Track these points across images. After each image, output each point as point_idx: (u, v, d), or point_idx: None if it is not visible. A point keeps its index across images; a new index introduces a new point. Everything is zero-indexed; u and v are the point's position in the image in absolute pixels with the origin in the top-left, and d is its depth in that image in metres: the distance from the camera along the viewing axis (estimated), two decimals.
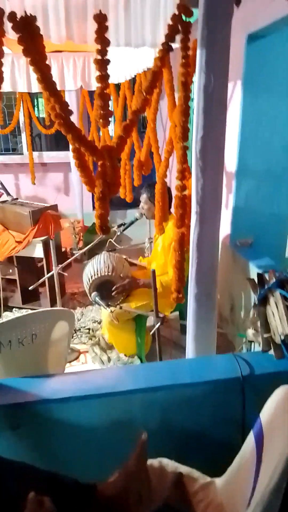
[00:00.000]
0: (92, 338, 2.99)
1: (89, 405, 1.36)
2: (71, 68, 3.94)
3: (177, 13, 1.35)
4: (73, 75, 3.95)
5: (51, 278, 2.95)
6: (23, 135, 4.80)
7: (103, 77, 1.27)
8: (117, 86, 3.43)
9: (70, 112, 1.27)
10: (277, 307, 1.56)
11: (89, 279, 2.42)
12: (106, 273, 2.40)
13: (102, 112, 1.28)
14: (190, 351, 1.69)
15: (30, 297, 3.57)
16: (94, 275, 2.41)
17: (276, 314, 1.54)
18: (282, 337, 1.49)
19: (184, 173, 1.47)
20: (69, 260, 2.75)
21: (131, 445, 1.20)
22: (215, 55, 1.32)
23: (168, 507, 0.79)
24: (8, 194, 3.70)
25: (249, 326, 1.88)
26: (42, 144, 5.58)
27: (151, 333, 2.22)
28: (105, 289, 2.41)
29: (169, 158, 2.03)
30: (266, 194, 2.85)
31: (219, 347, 2.47)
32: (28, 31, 1.18)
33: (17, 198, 3.73)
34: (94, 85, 3.89)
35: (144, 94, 1.29)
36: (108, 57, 1.30)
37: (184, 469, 1.22)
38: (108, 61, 1.27)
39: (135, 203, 5.41)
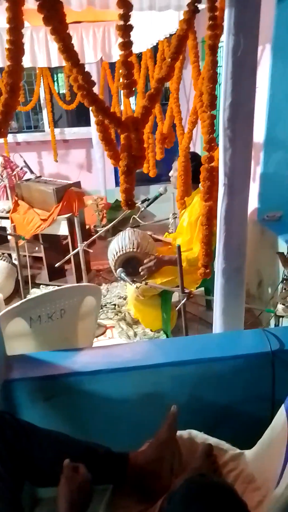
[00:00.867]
0: (118, 314, 3.02)
1: (119, 378, 1.38)
2: (90, 39, 3.84)
3: None
4: (93, 47, 3.85)
5: (76, 255, 2.97)
6: (44, 112, 4.76)
7: (127, 44, 1.22)
8: (139, 57, 3.32)
9: (93, 83, 1.23)
10: None
11: (114, 256, 2.42)
12: (131, 249, 2.39)
13: (126, 81, 1.24)
14: (217, 326, 1.67)
15: (56, 274, 3.63)
16: (119, 251, 2.41)
17: None
18: None
19: (211, 144, 1.42)
20: (94, 237, 2.76)
21: (161, 417, 1.21)
22: (244, 15, 1.24)
23: (203, 476, 0.79)
24: (31, 172, 3.71)
25: (279, 301, 1.85)
26: (63, 121, 5.53)
27: (176, 308, 2.22)
28: (130, 265, 2.41)
29: (193, 130, 1.96)
30: None
31: (246, 322, 2.44)
32: None
33: (40, 176, 3.74)
34: (115, 56, 3.80)
35: (169, 60, 1.23)
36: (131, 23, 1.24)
37: (213, 440, 1.23)
38: (131, 27, 1.21)
39: (158, 178, 5.34)
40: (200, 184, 1.55)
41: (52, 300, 1.59)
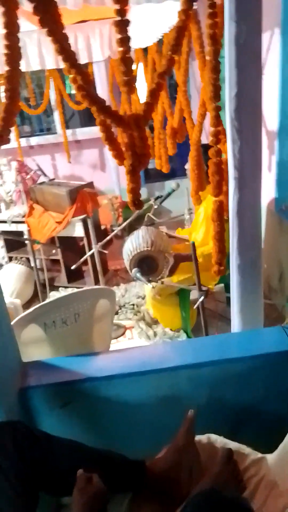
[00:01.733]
0: (137, 314, 3.00)
1: (135, 382, 1.36)
2: (97, 38, 3.81)
3: None
4: (100, 45, 3.82)
5: (93, 256, 2.96)
6: (56, 114, 4.77)
7: (124, 40, 1.18)
8: (146, 52, 3.27)
9: (91, 83, 1.20)
10: None
11: (128, 256, 2.39)
12: (145, 248, 2.36)
13: (125, 78, 1.20)
14: (236, 325, 1.62)
15: (74, 276, 3.65)
16: (134, 251, 2.37)
17: None
18: None
19: (218, 136, 1.37)
20: (108, 237, 2.74)
21: (180, 421, 1.18)
22: (245, 0, 1.18)
23: (214, 491, 0.76)
24: (45, 175, 3.73)
25: None
26: (76, 121, 5.54)
27: (194, 307, 2.17)
28: (145, 264, 2.37)
29: (203, 122, 1.91)
30: None
31: (268, 318, 2.37)
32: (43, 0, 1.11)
33: (54, 179, 3.76)
34: None
35: (170, 53, 1.18)
36: (130, 18, 1.21)
37: (233, 445, 1.19)
38: (128, 22, 1.18)
39: (174, 173, 5.28)
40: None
41: (66, 305, 1.58)
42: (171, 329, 2.76)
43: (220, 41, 1.40)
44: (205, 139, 2.36)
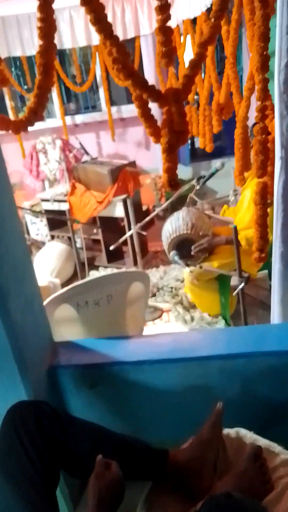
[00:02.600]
0: (175, 297, 2.96)
1: (164, 369, 1.32)
2: (145, 10, 3.68)
3: None
4: (148, 17, 3.69)
5: (133, 237, 2.93)
6: (101, 91, 4.72)
7: (163, 7, 1.09)
8: (195, 24, 3.10)
9: (128, 55, 1.13)
10: None
11: (167, 238, 2.34)
12: (185, 231, 2.29)
13: (164, 48, 1.12)
14: (276, 316, 1.53)
15: (114, 256, 3.65)
16: (173, 233, 2.31)
17: None
18: None
19: (265, 112, 1.25)
20: (147, 218, 2.69)
21: (208, 412, 1.14)
22: None
23: (229, 496, 0.71)
24: (87, 153, 3.72)
25: None
26: (123, 98, 5.46)
27: (234, 293, 2.09)
28: (184, 247, 2.31)
29: (251, 97, 1.77)
30: None
31: None
32: None
33: (96, 157, 3.73)
34: (172, 26, 3.61)
35: (213, 20, 1.08)
36: None
37: (263, 442, 1.12)
38: None
39: (223, 152, 5.08)
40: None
41: (99, 286, 1.56)
42: (209, 315, 2.69)
43: (272, 5, 1.26)
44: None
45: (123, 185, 3.13)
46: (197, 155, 5.66)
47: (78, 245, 3.77)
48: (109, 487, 0.87)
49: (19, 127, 1.21)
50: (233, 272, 2.11)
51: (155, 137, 1.26)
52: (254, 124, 1.40)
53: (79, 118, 4.84)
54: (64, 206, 3.55)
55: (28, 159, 4.02)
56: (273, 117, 1.29)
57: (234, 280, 2.51)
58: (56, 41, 3.55)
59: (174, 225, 2.33)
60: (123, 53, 1.13)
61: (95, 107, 5.09)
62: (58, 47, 3.74)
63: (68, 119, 4.67)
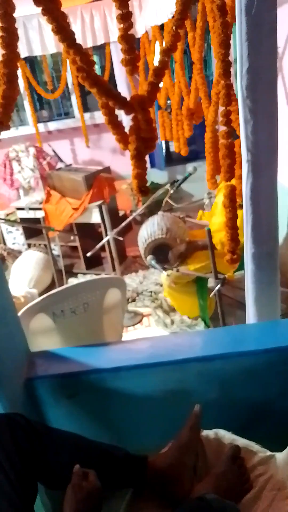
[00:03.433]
0: (154, 301, 2.97)
1: (143, 375, 1.32)
2: (114, 16, 3.69)
3: None
4: (117, 24, 3.71)
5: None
6: (73, 97, 4.70)
7: (125, 16, 1.10)
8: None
9: (93, 63, 1.13)
10: None
11: (143, 243, 2.35)
12: (160, 236, 2.30)
13: (127, 56, 1.13)
14: (251, 316, 1.55)
15: (93, 263, 3.64)
16: (148, 238, 2.33)
17: None
18: None
19: (229, 117, 1.28)
20: (123, 224, 2.69)
21: (188, 414, 1.15)
22: None
23: (202, 501, 0.72)
24: (61, 160, 3.70)
25: None
26: (95, 104, 5.46)
27: (210, 295, 2.11)
28: (160, 252, 2.32)
29: (219, 102, 1.80)
30: None
31: None
32: None
33: (71, 164, 3.72)
34: (140, 31, 3.64)
35: (174, 28, 1.10)
36: None
37: (241, 441, 1.14)
38: None
39: (197, 155, 5.14)
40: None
41: (74, 294, 1.56)
42: (189, 317, 2.71)
43: (233, 13, 1.29)
44: None
45: (99, 191, 3.13)
46: (172, 159, 5.71)
47: (56, 252, 3.73)
48: (87, 498, 0.86)
49: None
50: (210, 274, 2.14)
51: (123, 144, 1.27)
52: None
53: (53, 125, 4.82)
54: (40, 214, 3.52)
55: (1, 167, 3.97)
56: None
57: (211, 282, 2.54)
58: (26, 48, 3.54)
59: (150, 230, 2.34)
60: (87, 61, 1.13)
61: (68, 114, 5.08)
62: (28, 54, 3.73)
63: (41, 127, 4.64)
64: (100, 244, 2.73)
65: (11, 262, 3.63)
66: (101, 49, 4.12)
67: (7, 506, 0.85)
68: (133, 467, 1.04)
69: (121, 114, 1.34)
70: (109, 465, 1.01)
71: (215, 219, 2.51)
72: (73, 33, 1.14)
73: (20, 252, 3.69)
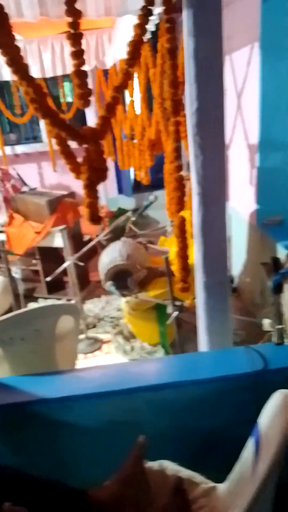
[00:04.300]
0: (115, 327, 2.95)
1: (90, 405, 1.30)
2: (84, 47, 3.81)
3: None
4: (86, 55, 3.82)
5: (76, 267, 2.91)
6: (42, 122, 4.75)
7: (78, 53, 1.15)
8: None
9: (45, 95, 1.16)
10: None
11: (104, 269, 2.35)
12: (121, 262, 2.32)
13: (80, 91, 1.17)
14: (203, 345, 1.58)
15: (55, 287, 3.59)
16: (109, 264, 2.33)
17: None
18: None
19: (177, 152, 1.33)
20: (84, 249, 2.70)
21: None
22: (204, 16, 1.16)
23: None
24: (25, 184, 3.69)
25: (268, 315, 1.74)
26: None
27: (168, 323, 2.13)
28: (120, 278, 2.33)
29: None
30: None
31: (250, 335, 2.30)
32: None
33: (35, 188, 3.72)
34: (109, 63, 3.76)
35: (126, 67, 1.15)
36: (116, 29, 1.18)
37: (185, 473, 1.13)
38: (81, 35, 1.15)
39: (162, 184, 5.27)
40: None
41: (24, 321, 1.53)
42: (149, 344, 2.70)
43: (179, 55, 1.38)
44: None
45: (62, 216, 3.13)
46: (140, 186, 5.81)
47: (18, 276, 3.66)
48: None
49: None
50: (168, 302, 2.16)
51: (75, 173, 1.29)
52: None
53: (20, 149, 4.83)
54: (2, 237, 3.46)
55: None
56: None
57: (171, 309, 2.56)
58: None
59: (110, 256, 2.35)
60: (39, 93, 1.16)
61: (36, 138, 5.11)
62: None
63: (8, 149, 4.64)
64: (60, 268, 2.71)
65: None
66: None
67: None
68: (72, 502, 1.00)
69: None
70: (46, 500, 0.98)
71: (174, 247, 2.56)
72: (25, 66, 1.17)
73: None
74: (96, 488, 1.07)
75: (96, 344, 2.82)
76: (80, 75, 1.14)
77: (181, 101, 1.35)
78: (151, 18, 1.14)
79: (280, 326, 1.35)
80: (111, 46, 3.73)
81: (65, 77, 4.59)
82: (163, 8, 1.17)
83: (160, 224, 4.73)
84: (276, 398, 0.98)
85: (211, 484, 1.10)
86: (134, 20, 1.32)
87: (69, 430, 1.31)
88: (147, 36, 2.23)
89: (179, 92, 1.22)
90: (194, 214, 1.41)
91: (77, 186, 4.73)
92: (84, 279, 3.43)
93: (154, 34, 2.05)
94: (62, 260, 3.60)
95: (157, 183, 3.26)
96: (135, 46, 1.13)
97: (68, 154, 1.26)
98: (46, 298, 3.49)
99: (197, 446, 1.35)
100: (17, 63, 1.12)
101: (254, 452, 0.95)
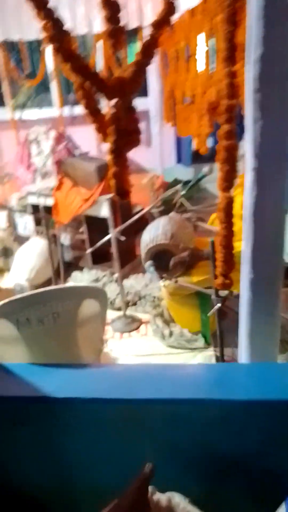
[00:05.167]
0: (156, 308, 2.75)
1: (96, 410, 1.12)
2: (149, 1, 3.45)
3: None
4: (151, 8, 3.46)
5: (118, 241, 2.73)
6: None
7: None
8: None
9: (67, 33, 0.92)
10: None
11: (144, 247, 2.13)
12: (163, 241, 2.08)
13: (111, 26, 0.91)
14: (242, 354, 1.32)
15: (101, 258, 3.46)
16: (150, 242, 2.11)
17: None
18: None
19: (230, 113, 1.03)
20: (127, 223, 2.48)
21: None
22: None
23: None
24: (75, 147, 3.52)
25: None
26: None
27: (209, 315, 1.88)
28: (161, 258, 2.10)
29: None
30: None
31: None
32: None
33: (87, 152, 3.53)
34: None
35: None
36: None
37: None
38: None
39: None
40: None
41: (41, 302, 1.37)
42: (189, 331, 2.48)
43: None
44: None
45: None
46: (200, 156, 5.42)
47: (67, 243, 3.58)
48: None
49: None
50: (210, 290, 1.90)
51: (102, 134, 1.05)
52: None
53: (79, 110, 4.63)
54: (51, 202, 3.36)
55: (19, 149, 3.84)
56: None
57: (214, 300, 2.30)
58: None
59: (153, 233, 2.12)
60: (60, 29, 0.92)
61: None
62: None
63: (67, 110, 4.47)
64: (102, 241, 2.53)
65: (17, 248, 3.51)
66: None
67: None
68: None
69: None
70: None
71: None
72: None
73: (27, 239, 3.56)
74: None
75: (133, 323, 2.66)
76: (110, 6, 0.88)
77: (241, 45, 1.03)
78: None
79: None
80: None
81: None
82: None
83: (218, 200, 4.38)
84: None
85: None
86: None
87: (73, 433, 1.15)
88: None
89: (238, 32, 0.91)
90: (246, 194, 1.12)
91: (133, 152, 4.48)
92: (130, 253, 3.25)
93: None
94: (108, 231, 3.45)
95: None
96: None
97: (94, 111, 1.02)
98: (90, 269, 3.38)
99: (215, 477, 1.13)
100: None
101: None
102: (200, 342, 2.40)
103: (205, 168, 2.34)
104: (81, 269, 3.43)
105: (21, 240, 3.59)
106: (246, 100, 1.00)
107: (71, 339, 1.50)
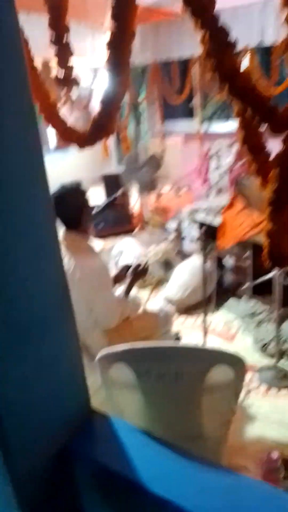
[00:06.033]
0: None
1: None
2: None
3: None
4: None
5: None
6: None
7: None
8: None
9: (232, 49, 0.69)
10: None
11: None
12: None
13: None
14: None
15: (265, 287, 3.07)
16: None
17: None
18: None
19: None
20: None
21: None
22: None
23: None
24: None
25: None
26: None
27: None
28: None
29: None
30: None
31: None
32: None
33: None
34: None
35: None
36: None
37: None
38: None
39: None
40: None
41: (164, 358, 1.18)
42: None
43: None
44: None
45: None
46: None
47: (228, 266, 3.35)
48: None
49: (82, 141, 0.92)
50: None
51: (261, 177, 0.78)
52: None
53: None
54: (218, 221, 3.15)
55: (199, 161, 3.75)
56: None
57: None
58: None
59: None
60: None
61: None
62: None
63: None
64: (264, 277, 2.18)
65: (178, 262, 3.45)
66: None
67: None
68: None
69: None
70: None
71: None
72: None
73: (188, 255, 3.45)
74: None
75: (286, 379, 2.22)
76: None
77: None
78: None
79: None
80: None
81: None
82: None
83: None
84: None
85: None
86: None
87: None
88: None
89: None
90: None
91: None
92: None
93: None
94: None
95: None
96: None
97: (253, 145, 0.75)
98: (249, 299, 3.04)
99: None
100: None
101: None
102: None
103: None
104: (239, 297, 3.12)
105: (183, 255, 3.51)
106: None
107: (193, 404, 1.26)
